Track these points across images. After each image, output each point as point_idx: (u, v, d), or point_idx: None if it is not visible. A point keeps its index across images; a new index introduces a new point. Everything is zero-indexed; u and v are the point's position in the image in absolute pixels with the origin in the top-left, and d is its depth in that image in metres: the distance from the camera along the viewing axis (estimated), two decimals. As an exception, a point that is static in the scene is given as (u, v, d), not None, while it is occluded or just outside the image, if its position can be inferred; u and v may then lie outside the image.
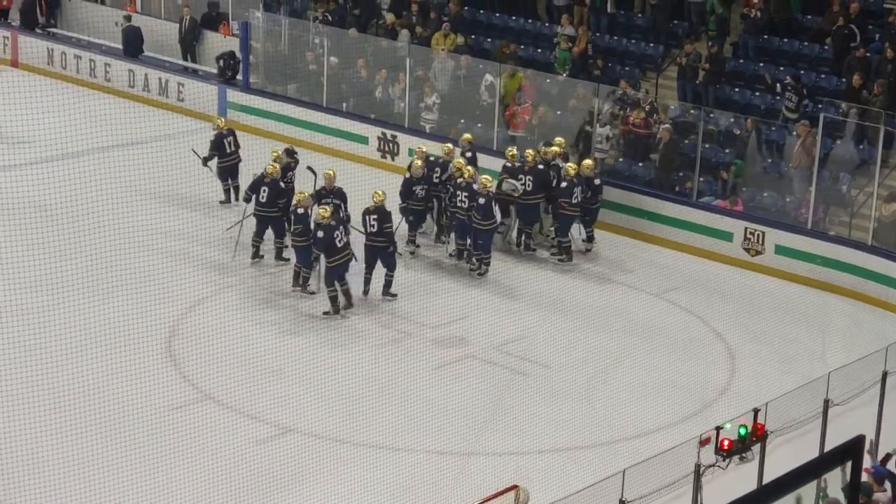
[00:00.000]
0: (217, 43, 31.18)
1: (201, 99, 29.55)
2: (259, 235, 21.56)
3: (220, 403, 16.99)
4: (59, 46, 32.87)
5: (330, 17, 30.28)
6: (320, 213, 19.85)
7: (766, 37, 26.53)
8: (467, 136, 24.17)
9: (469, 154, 23.58)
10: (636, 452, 15.32)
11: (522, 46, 28.52)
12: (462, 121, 26.93)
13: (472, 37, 28.74)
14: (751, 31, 26.41)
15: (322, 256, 19.98)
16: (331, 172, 21.59)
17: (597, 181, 22.82)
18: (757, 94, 25.61)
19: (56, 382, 16.88)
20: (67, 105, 25.09)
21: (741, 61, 26.44)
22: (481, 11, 30.17)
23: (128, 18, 32.95)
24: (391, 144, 26.68)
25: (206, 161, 23.94)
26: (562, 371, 18.49)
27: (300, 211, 20.35)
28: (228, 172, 24.35)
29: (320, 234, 19.65)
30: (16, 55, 33.54)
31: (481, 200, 21.32)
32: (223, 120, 25.24)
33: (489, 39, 29.10)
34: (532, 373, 18.47)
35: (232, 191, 24.39)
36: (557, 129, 25.16)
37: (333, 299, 19.84)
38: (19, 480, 14.63)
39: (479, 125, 26.56)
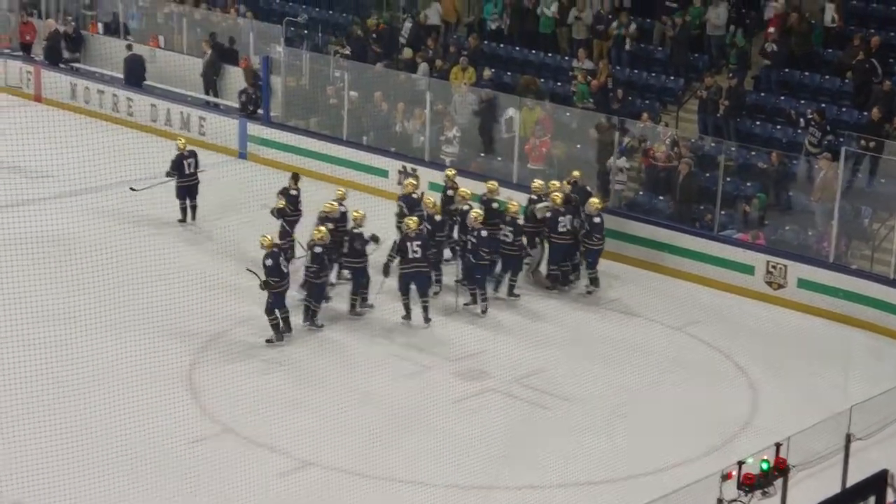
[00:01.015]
0: (238, 77, 31.29)
1: (222, 133, 29.67)
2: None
3: (239, 436, 16.96)
4: (82, 81, 33.06)
5: (350, 52, 30.39)
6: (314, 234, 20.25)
7: (786, 70, 26.53)
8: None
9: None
10: (658, 487, 15.21)
11: (542, 80, 28.56)
12: (481, 154, 26.97)
13: (492, 70, 28.78)
14: (771, 64, 26.39)
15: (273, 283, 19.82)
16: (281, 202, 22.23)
17: (597, 219, 22.22)
18: (778, 127, 25.57)
19: (76, 416, 16.88)
20: (90, 139, 25.27)
21: (762, 94, 26.43)
22: (501, 45, 30.24)
23: (129, 48, 33.28)
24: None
25: (167, 175, 24.63)
26: (582, 404, 18.42)
27: (317, 250, 20.38)
28: (186, 192, 24.90)
29: (268, 262, 19.70)
30: (39, 90, 33.74)
31: (483, 233, 21.29)
32: (184, 140, 25.73)
33: (508, 73, 29.16)
34: (552, 406, 18.40)
35: (189, 210, 24.93)
36: (576, 162, 25.16)
37: (276, 327, 19.82)
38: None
39: (499, 158, 26.59)
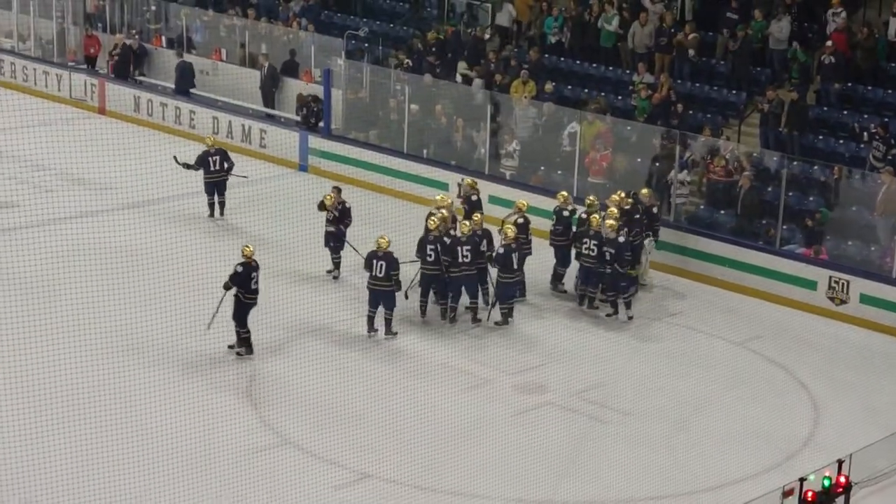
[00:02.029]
0: (298, 90, 31.43)
1: (283, 145, 29.84)
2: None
3: (299, 448, 17.02)
4: (145, 94, 33.35)
5: (410, 64, 30.48)
6: None
7: (849, 84, 26.33)
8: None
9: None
10: (718, 503, 15.15)
11: (602, 94, 28.52)
12: (542, 168, 26.97)
13: (553, 84, 28.77)
14: (833, 78, 26.21)
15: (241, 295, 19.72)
16: (331, 195, 22.80)
17: (620, 239, 21.58)
18: (841, 141, 25.38)
19: (139, 426, 17.05)
20: (153, 151, 25.55)
21: (825, 109, 26.25)
22: (561, 59, 30.22)
23: (179, 55, 33.75)
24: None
25: (186, 166, 25.61)
26: (642, 419, 18.35)
27: (380, 254, 20.50)
28: (213, 187, 25.92)
29: (239, 268, 19.63)
30: (103, 102, 34.07)
31: (501, 250, 21.26)
32: (212, 138, 26.98)
33: (569, 87, 29.13)
34: (612, 420, 18.34)
35: (217, 206, 25.99)
36: (635, 175, 25.09)
37: (246, 340, 19.74)
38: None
39: (559, 172, 26.57)
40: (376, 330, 20.55)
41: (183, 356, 19.20)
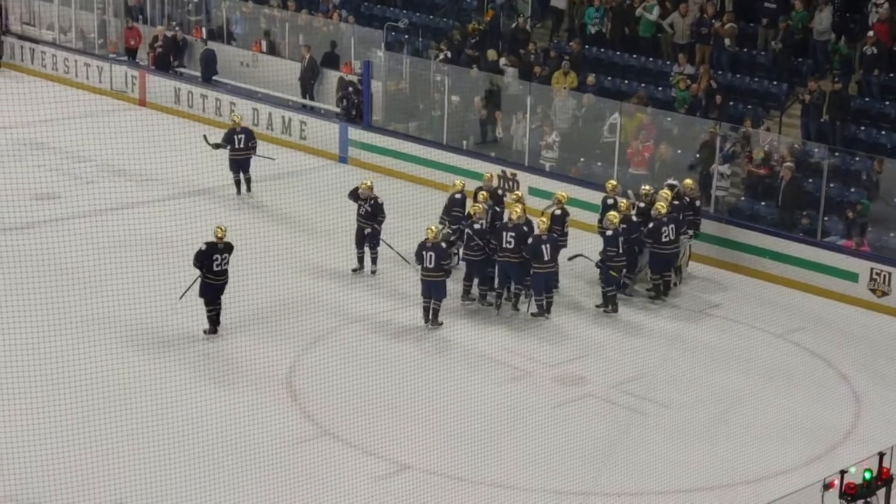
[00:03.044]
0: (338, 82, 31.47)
1: (323, 137, 29.90)
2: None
3: (338, 439, 17.07)
4: (185, 86, 33.47)
5: (450, 56, 30.46)
6: None
7: (891, 75, 26.14)
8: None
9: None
10: (758, 495, 15.12)
11: (643, 84, 28.43)
12: (582, 159, 26.91)
13: (593, 75, 28.69)
14: (874, 68, 26.03)
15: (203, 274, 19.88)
16: (367, 183, 22.77)
17: (609, 233, 21.44)
18: (883, 132, 25.22)
19: (179, 417, 17.14)
20: (193, 143, 25.64)
21: (866, 99, 26.08)
22: (602, 50, 30.14)
23: (205, 42, 34.11)
24: (511, 182, 26.67)
25: (216, 146, 26.20)
26: (682, 411, 18.30)
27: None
28: (237, 165, 26.65)
29: (203, 246, 19.84)
30: (143, 94, 34.24)
31: (531, 241, 21.17)
32: (239, 116, 27.89)
33: (609, 78, 29.05)
34: (651, 412, 18.30)
35: (244, 183, 26.71)
36: (675, 167, 25.01)
37: (211, 318, 19.92)
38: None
39: (599, 163, 26.52)
40: (431, 319, 20.71)
41: (223, 349, 19.28)
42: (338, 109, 30.77)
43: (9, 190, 22.16)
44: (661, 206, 21.99)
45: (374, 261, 22.84)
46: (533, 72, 29.08)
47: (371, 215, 22.55)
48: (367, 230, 22.63)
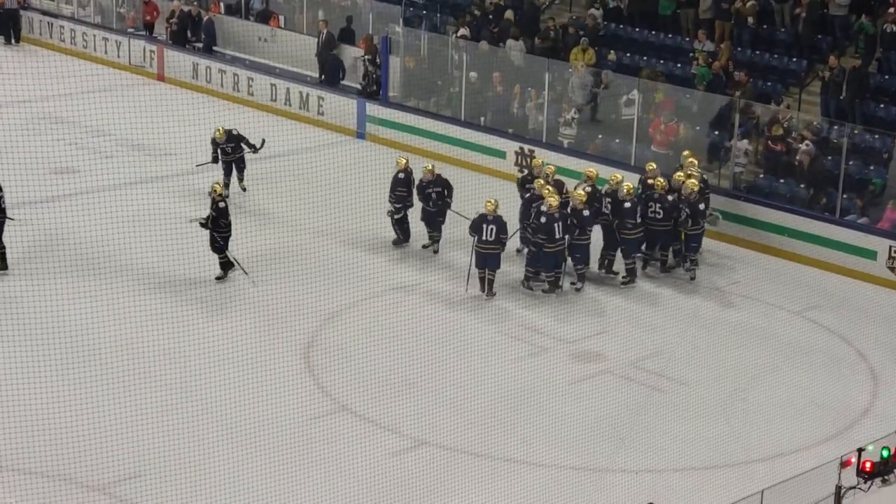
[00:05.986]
0: (355, 57, 31.41)
1: (341, 113, 29.88)
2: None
3: (355, 415, 17.11)
4: (203, 61, 33.46)
5: (468, 32, 30.37)
6: None
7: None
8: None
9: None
10: (774, 473, 15.11)
11: (662, 62, 28.33)
12: (600, 136, 26.85)
13: (612, 52, 28.61)
14: (892, 46, 25.91)
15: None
16: (429, 167, 22.67)
17: (586, 212, 21.35)
18: (902, 109, 25.14)
19: (196, 393, 17.21)
20: (211, 118, 25.61)
21: (886, 77, 25.96)
22: (621, 26, 30.04)
23: (206, 11, 34.56)
24: (528, 159, 26.63)
25: (212, 161, 24.91)
26: (699, 388, 18.29)
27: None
28: (229, 167, 25.03)
29: (222, 205, 20.64)
30: (162, 69, 34.25)
31: (543, 219, 20.99)
32: (221, 130, 24.84)
33: (628, 54, 28.95)
34: (668, 389, 18.30)
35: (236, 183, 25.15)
36: (695, 144, 24.95)
37: (225, 265, 20.71)
38: (158, 488, 14.94)
39: (617, 140, 26.45)
40: (487, 289, 20.90)
41: (239, 324, 19.32)
42: (356, 85, 30.72)
43: (28, 164, 22.20)
44: (693, 185, 21.90)
45: (438, 240, 22.89)
46: (534, 45, 28.88)
47: (442, 195, 22.49)
48: (435, 208, 22.57)
